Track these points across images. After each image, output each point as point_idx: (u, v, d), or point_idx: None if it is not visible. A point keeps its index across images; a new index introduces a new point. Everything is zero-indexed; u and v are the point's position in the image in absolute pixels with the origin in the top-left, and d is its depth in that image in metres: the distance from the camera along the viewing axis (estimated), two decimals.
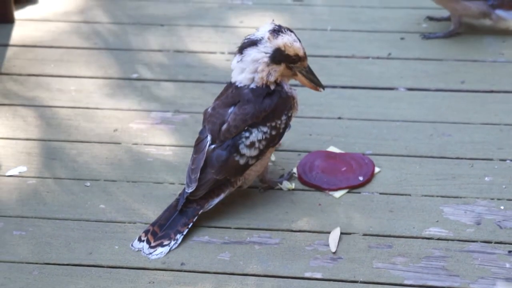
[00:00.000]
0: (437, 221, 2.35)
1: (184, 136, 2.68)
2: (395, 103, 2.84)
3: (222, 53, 3.14)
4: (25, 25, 3.34)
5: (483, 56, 3.07)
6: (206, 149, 2.32)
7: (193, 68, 3.06)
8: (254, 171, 2.38)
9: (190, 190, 2.30)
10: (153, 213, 2.39)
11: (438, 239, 2.29)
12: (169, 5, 3.45)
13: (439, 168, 2.53)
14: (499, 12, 3.12)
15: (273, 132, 2.33)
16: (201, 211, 2.33)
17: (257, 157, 2.34)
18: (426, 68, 3.02)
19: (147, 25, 3.33)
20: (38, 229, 2.36)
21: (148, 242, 2.27)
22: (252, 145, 2.32)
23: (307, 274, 2.20)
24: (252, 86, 2.30)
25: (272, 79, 2.30)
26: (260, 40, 2.27)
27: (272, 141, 2.35)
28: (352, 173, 2.51)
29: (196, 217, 2.32)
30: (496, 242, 2.27)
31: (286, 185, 2.48)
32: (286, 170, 2.54)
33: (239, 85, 2.32)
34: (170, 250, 2.26)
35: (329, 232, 2.31)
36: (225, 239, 2.31)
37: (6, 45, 3.21)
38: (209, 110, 2.38)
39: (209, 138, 2.33)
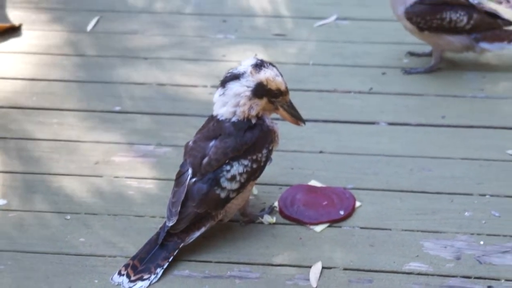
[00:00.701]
0: (417, 256, 2.35)
1: (166, 169, 2.68)
2: (376, 138, 2.86)
3: (205, 86, 3.15)
4: (8, 57, 3.34)
5: (463, 92, 3.09)
6: (187, 182, 2.32)
7: (175, 101, 3.06)
8: (235, 205, 2.38)
9: (170, 224, 2.29)
10: (133, 246, 2.38)
11: (418, 274, 2.29)
12: (153, 39, 3.46)
13: (419, 203, 2.54)
14: (483, 45, 3.16)
15: (254, 165, 2.34)
16: (181, 244, 2.32)
17: (238, 190, 2.34)
18: (407, 103, 3.04)
19: (130, 58, 3.34)
20: (17, 263, 2.34)
21: (128, 276, 2.26)
22: (233, 178, 2.32)
23: None
24: (234, 119, 2.31)
25: (253, 113, 2.30)
26: (243, 74, 2.28)
27: (253, 174, 2.35)
28: (333, 207, 2.51)
29: (176, 251, 2.32)
30: (475, 277, 2.27)
31: (267, 218, 2.48)
32: (267, 203, 2.54)
33: (220, 118, 2.32)
34: (150, 284, 2.25)
35: (310, 267, 2.31)
36: (205, 273, 2.30)
37: None
38: (190, 143, 2.38)
39: (190, 171, 2.33)
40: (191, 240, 2.35)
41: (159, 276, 2.27)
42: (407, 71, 3.21)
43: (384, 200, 2.56)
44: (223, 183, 2.32)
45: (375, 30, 3.49)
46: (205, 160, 2.32)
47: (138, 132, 2.90)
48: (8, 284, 2.27)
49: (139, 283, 2.25)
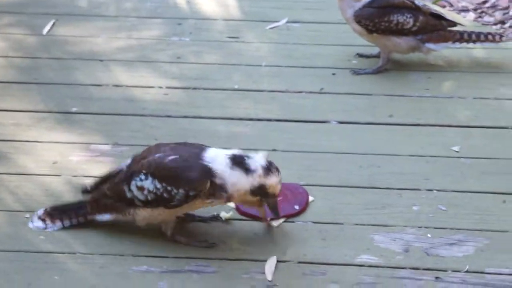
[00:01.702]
0: (368, 248, 2.37)
1: None
2: (327, 136, 2.88)
3: (160, 87, 3.15)
4: None
5: (409, 91, 3.13)
6: (121, 167, 2.40)
7: (131, 102, 3.06)
8: (142, 215, 2.35)
9: (88, 187, 2.44)
10: (92, 242, 2.38)
11: (369, 266, 2.31)
12: (108, 41, 3.45)
13: (370, 198, 2.57)
14: (429, 45, 3.20)
15: (165, 195, 2.28)
16: (87, 216, 2.42)
17: (143, 203, 2.32)
18: (356, 102, 3.07)
19: (86, 60, 3.32)
20: None
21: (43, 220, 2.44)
22: (140, 188, 2.30)
23: None
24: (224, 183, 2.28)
25: (233, 201, 2.34)
26: (253, 171, 2.25)
27: (163, 202, 2.30)
28: (287, 202, 2.52)
29: (80, 218, 2.43)
30: (424, 269, 2.30)
31: (223, 214, 2.49)
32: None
33: (206, 159, 2.28)
34: (45, 229, 2.42)
35: (265, 261, 2.32)
36: (163, 268, 2.31)
37: None
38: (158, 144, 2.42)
39: (127, 162, 2.39)
40: (97, 219, 2.41)
41: (56, 228, 2.42)
42: (356, 72, 3.25)
43: (336, 195, 2.58)
44: (132, 186, 2.31)
45: (325, 33, 3.51)
46: (143, 160, 2.33)
47: (94, 132, 2.88)
48: None
49: (41, 226, 2.43)
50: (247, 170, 2.26)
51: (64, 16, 3.63)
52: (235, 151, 2.30)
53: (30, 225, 2.44)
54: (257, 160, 2.28)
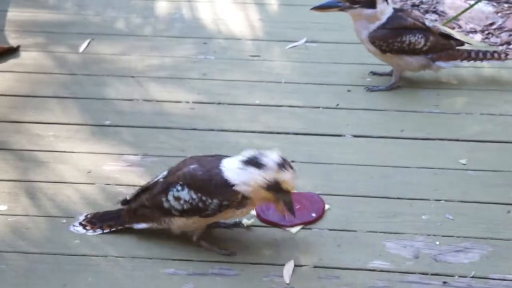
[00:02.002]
0: (380, 255, 2.38)
1: (151, 178, 2.67)
2: (342, 149, 2.88)
3: (187, 102, 3.16)
4: (7, 76, 3.33)
5: (420, 107, 3.12)
6: (157, 179, 2.40)
7: (160, 116, 3.08)
8: (177, 224, 2.37)
9: (128, 197, 2.44)
10: (123, 246, 2.40)
11: (381, 271, 2.32)
12: (139, 59, 3.47)
13: (382, 207, 2.57)
14: (439, 63, 3.20)
15: (200, 204, 2.29)
16: (126, 224, 2.44)
17: (180, 213, 2.33)
18: (370, 117, 3.07)
19: (118, 76, 3.34)
20: (16, 263, 2.35)
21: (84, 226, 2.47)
22: (177, 199, 2.31)
23: None
24: (230, 181, 2.26)
25: (247, 194, 2.26)
26: (265, 167, 2.22)
27: (198, 212, 2.31)
28: (305, 210, 2.53)
29: (119, 227, 2.44)
30: (432, 274, 2.31)
31: (245, 221, 2.50)
32: None
33: (223, 169, 2.28)
34: (85, 233, 2.45)
35: (283, 265, 2.33)
36: (189, 271, 2.32)
37: None
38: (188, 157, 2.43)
39: (165, 173, 2.40)
40: (134, 227, 2.43)
41: (96, 234, 2.44)
42: (370, 89, 3.25)
43: (350, 204, 2.59)
44: (169, 196, 2.32)
45: (341, 52, 3.51)
46: (178, 172, 2.34)
47: (126, 144, 2.90)
48: (9, 282, 2.28)
49: (82, 231, 2.45)
50: (259, 165, 2.22)
51: (99, 35, 3.66)
52: (251, 152, 2.25)
53: (72, 228, 2.47)
54: (270, 156, 2.24)
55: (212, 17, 3.82)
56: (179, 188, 2.31)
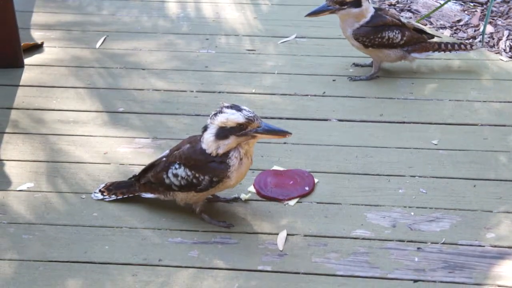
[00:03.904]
0: (362, 224, 2.37)
1: None
2: (329, 131, 2.87)
3: (191, 91, 3.14)
4: (33, 69, 3.31)
5: (397, 95, 3.10)
6: (160, 157, 2.41)
7: (168, 103, 3.05)
8: (180, 197, 2.36)
9: (137, 173, 2.46)
10: (135, 219, 2.39)
11: (363, 238, 2.32)
12: (149, 54, 3.44)
13: (363, 183, 2.56)
14: (414, 55, 3.19)
15: (194, 180, 2.29)
16: (136, 193, 2.44)
17: (178, 188, 2.32)
18: (353, 104, 3.05)
19: (131, 69, 3.31)
20: (43, 233, 2.34)
21: (102, 192, 2.49)
22: (175, 176, 2.31)
23: (260, 267, 2.21)
24: (207, 151, 2.26)
25: (221, 151, 2.23)
26: (208, 125, 2.24)
27: (193, 186, 2.30)
28: (298, 185, 2.52)
29: (131, 195, 2.45)
30: (408, 241, 2.30)
31: (243, 196, 2.49)
32: (245, 185, 2.52)
33: (203, 146, 2.28)
34: (103, 199, 2.46)
35: (277, 234, 2.33)
36: (194, 240, 2.31)
37: (17, 85, 3.17)
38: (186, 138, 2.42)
39: (167, 152, 2.40)
40: (144, 196, 2.43)
41: (111, 199, 2.46)
42: (353, 78, 3.23)
43: (335, 181, 2.58)
44: (169, 173, 2.33)
45: (327, 46, 3.49)
46: (176, 152, 2.34)
47: (138, 128, 2.89)
48: (36, 250, 2.27)
49: (100, 197, 2.48)
50: (205, 128, 2.25)
51: (113, 33, 3.62)
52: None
53: (93, 196, 2.48)
54: (210, 116, 2.24)
55: (214, 16, 3.79)
56: (177, 166, 2.31)
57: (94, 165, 2.65)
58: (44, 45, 3.50)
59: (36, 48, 3.47)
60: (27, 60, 3.36)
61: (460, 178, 2.57)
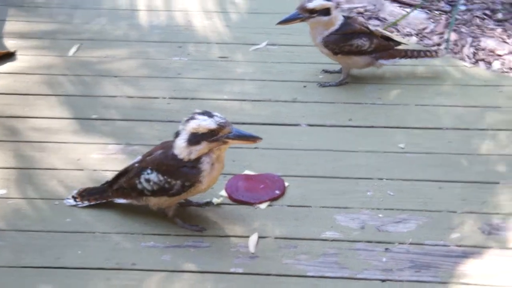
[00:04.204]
0: (331, 226, 2.39)
1: None
2: (299, 136, 2.88)
3: (164, 98, 3.14)
4: (5, 77, 3.27)
5: (365, 100, 3.13)
6: (133, 163, 2.40)
7: (141, 110, 3.04)
8: (152, 202, 2.36)
9: (110, 179, 2.44)
10: (108, 224, 2.38)
11: (333, 240, 2.33)
12: (122, 61, 3.43)
13: (333, 186, 2.58)
14: (381, 61, 3.22)
15: (166, 185, 2.29)
16: (109, 198, 2.42)
17: (151, 193, 2.32)
18: (322, 109, 3.06)
19: (104, 76, 3.29)
20: (15, 240, 2.32)
21: (74, 199, 2.47)
22: (148, 181, 2.31)
23: (232, 270, 2.22)
24: (179, 156, 2.26)
25: (193, 156, 2.24)
26: (180, 131, 2.25)
27: (166, 192, 2.30)
28: (269, 188, 2.53)
29: (103, 201, 2.43)
30: (376, 242, 2.32)
31: (215, 200, 2.49)
32: (216, 190, 2.52)
33: (175, 152, 2.28)
34: (76, 206, 2.45)
35: (248, 237, 2.33)
36: (166, 243, 2.31)
37: None
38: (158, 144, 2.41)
39: (139, 158, 2.40)
40: (117, 201, 2.42)
41: (84, 205, 2.44)
42: (322, 85, 3.24)
43: (306, 184, 2.59)
44: (141, 178, 2.32)
45: (297, 53, 3.50)
46: (148, 157, 2.34)
47: (110, 135, 2.87)
48: (7, 256, 2.26)
49: (73, 203, 2.46)
50: (177, 134, 2.25)
51: (87, 41, 3.60)
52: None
53: (66, 202, 2.46)
54: (181, 122, 2.24)
55: (186, 24, 3.79)
56: (149, 171, 2.31)
57: (67, 172, 2.64)
58: (16, 53, 3.47)
59: (9, 56, 3.44)
60: (0, 68, 3.33)
61: (426, 180, 2.60)
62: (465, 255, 2.27)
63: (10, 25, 3.74)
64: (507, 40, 3.78)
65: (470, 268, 2.22)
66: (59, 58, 3.45)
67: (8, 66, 3.37)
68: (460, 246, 2.30)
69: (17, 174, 2.63)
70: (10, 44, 3.56)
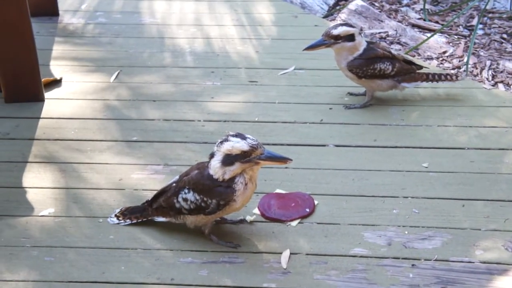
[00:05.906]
0: (359, 243, 2.36)
1: None
2: (326, 156, 2.87)
3: (199, 121, 3.15)
4: (52, 102, 3.32)
5: (389, 121, 3.11)
6: (171, 182, 2.40)
7: (177, 132, 3.06)
8: (190, 220, 2.35)
9: (150, 199, 2.44)
10: (148, 241, 2.38)
11: (361, 256, 2.31)
12: (159, 86, 3.46)
13: (360, 204, 2.56)
14: (404, 84, 3.20)
15: (203, 204, 2.28)
16: (149, 217, 2.43)
17: (188, 211, 2.31)
18: (348, 130, 3.05)
19: (143, 101, 3.33)
20: (63, 256, 2.33)
21: (117, 217, 2.48)
22: (185, 200, 2.30)
23: (265, 285, 2.20)
24: (214, 176, 2.25)
25: (227, 176, 2.23)
26: (215, 152, 2.24)
27: (202, 210, 2.29)
28: (300, 207, 2.52)
29: (144, 219, 2.44)
30: (402, 258, 2.29)
31: (248, 218, 2.48)
32: (250, 208, 2.51)
33: (210, 172, 2.27)
34: (118, 224, 2.45)
35: (281, 253, 2.32)
36: (203, 259, 2.30)
37: (38, 117, 3.17)
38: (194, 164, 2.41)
39: (176, 178, 2.39)
40: (157, 220, 2.42)
41: (126, 224, 2.44)
42: (348, 107, 3.24)
43: (334, 202, 2.57)
44: (179, 198, 2.32)
45: (323, 77, 3.50)
46: (184, 177, 2.34)
47: (150, 156, 2.89)
48: (57, 271, 2.26)
49: (116, 221, 2.46)
50: (212, 155, 2.24)
51: (126, 67, 3.64)
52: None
53: (109, 220, 2.47)
54: (216, 144, 2.23)
55: (218, 51, 3.81)
56: (186, 191, 2.30)
57: (110, 191, 2.65)
58: (62, 80, 3.52)
59: (55, 83, 3.48)
60: (47, 94, 3.37)
61: (450, 199, 2.57)
62: (490, 272, 2.22)
63: (56, 53, 3.80)
64: None
65: (493, 284, 2.18)
66: (101, 84, 3.49)
67: (55, 92, 3.41)
68: (484, 262, 2.26)
69: (64, 193, 2.65)
70: (56, 71, 3.61)
